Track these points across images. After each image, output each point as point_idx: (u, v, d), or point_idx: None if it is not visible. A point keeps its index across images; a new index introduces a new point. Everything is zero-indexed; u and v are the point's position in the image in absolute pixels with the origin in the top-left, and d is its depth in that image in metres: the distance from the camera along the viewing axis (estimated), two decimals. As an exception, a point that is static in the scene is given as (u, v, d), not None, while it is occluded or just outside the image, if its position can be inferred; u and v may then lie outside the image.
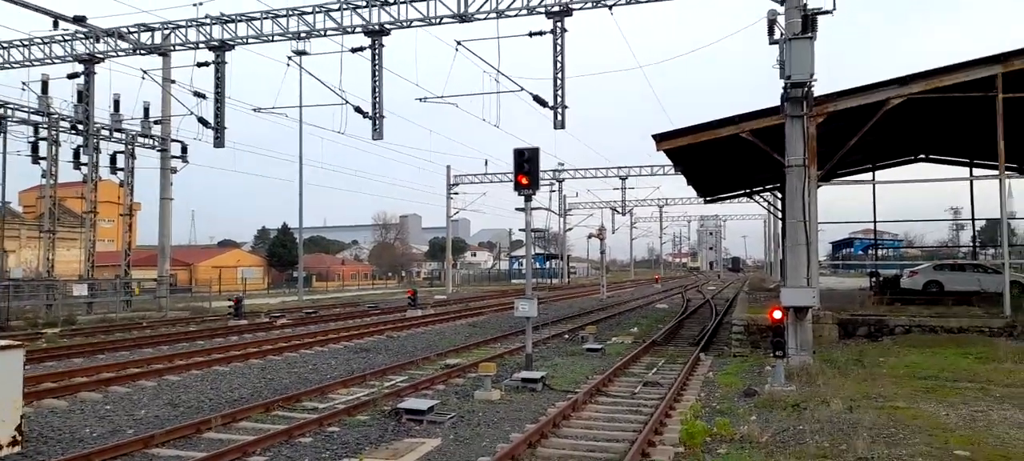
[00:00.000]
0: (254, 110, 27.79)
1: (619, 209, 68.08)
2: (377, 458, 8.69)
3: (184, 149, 33.81)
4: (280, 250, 74.36)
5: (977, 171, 30.10)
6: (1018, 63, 17.01)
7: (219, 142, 27.34)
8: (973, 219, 36.56)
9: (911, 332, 17.46)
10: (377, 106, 24.44)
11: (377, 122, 24.47)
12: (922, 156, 32.39)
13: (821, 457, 7.81)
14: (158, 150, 33.88)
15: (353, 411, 11.09)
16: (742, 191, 40.08)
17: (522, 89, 23.10)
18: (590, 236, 55.55)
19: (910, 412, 9.46)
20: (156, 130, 33.53)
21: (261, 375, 14.77)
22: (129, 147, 33.10)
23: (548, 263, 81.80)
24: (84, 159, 31.63)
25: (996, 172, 18.66)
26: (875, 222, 33.45)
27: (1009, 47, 17.13)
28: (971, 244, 44.83)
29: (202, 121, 27.47)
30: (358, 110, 24.60)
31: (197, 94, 27.58)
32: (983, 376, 12.15)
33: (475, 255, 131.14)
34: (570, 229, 75.50)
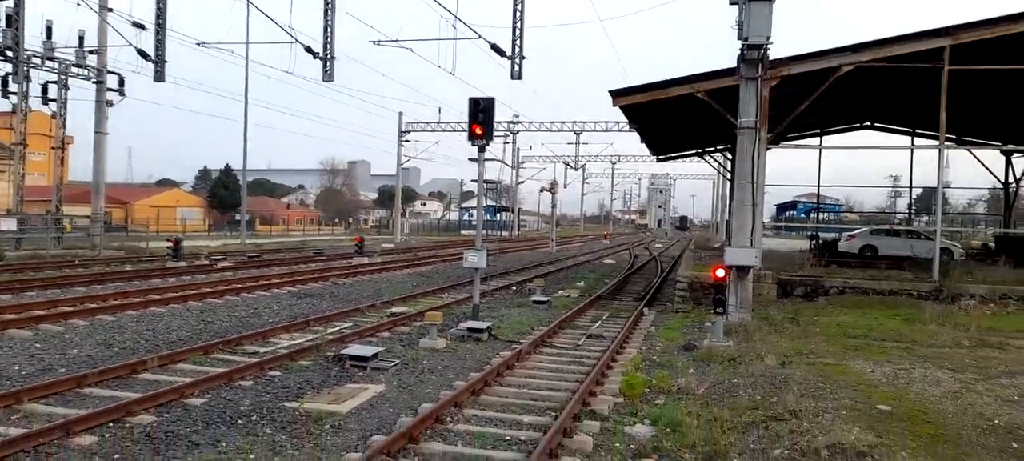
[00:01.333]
0: (198, 44, 26.71)
1: (572, 164, 68.31)
2: (318, 403, 8.63)
3: (121, 82, 32.27)
4: (222, 191, 72.43)
5: (918, 140, 31.12)
6: (966, 36, 17.46)
7: (159, 76, 26.22)
8: (911, 187, 38.00)
9: (845, 293, 18.14)
10: (329, 47, 23.70)
11: (328, 63, 23.77)
12: (868, 124, 33.28)
13: (753, 408, 8.07)
14: (93, 81, 32.23)
15: (295, 356, 10.96)
16: (693, 151, 40.61)
17: (479, 36, 22.72)
18: (542, 190, 55.81)
19: (838, 368, 9.85)
20: (91, 60, 31.85)
21: (200, 318, 14.43)
22: (62, 77, 31.42)
23: (498, 215, 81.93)
24: (13, 88, 29.94)
25: (936, 142, 19.27)
26: (818, 186, 34.39)
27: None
28: (907, 211, 46.70)
29: (141, 53, 26.24)
30: (308, 50, 23.83)
31: (136, 25, 26.32)
32: (909, 336, 12.72)
33: (425, 204, 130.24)
34: (522, 182, 75.58)
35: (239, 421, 7.90)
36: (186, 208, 69.30)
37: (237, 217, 51.89)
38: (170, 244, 27.03)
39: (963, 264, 24.19)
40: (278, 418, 8.03)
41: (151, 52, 26.11)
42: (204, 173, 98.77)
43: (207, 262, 27.13)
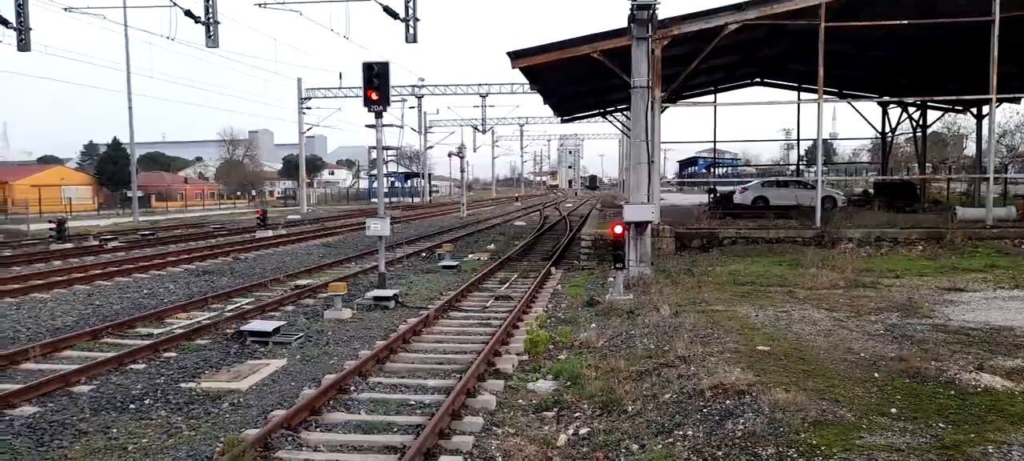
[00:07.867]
0: (65, 10, 24.77)
1: (480, 127, 68.18)
2: (217, 381, 8.44)
3: (-16, 51, 29.67)
4: (111, 167, 67.91)
5: (803, 95, 32.84)
6: (840, -5, 18.48)
7: (24, 45, 24.15)
8: (798, 139, 40.24)
9: (737, 243, 19.11)
10: (211, 9, 22.41)
11: (211, 28, 22.50)
12: (758, 80, 34.80)
13: (647, 357, 8.49)
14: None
15: (192, 335, 10.63)
16: (596, 111, 41.31)
17: (371, -2, 22.14)
18: (451, 154, 55.45)
19: (726, 314, 10.45)
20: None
21: (88, 301, 13.70)
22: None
23: (409, 182, 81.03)
24: None
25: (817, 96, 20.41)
26: (715, 142, 35.81)
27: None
28: (796, 163, 49.45)
29: (2, 21, 24.08)
30: (188, 13, 22.41)
31: (-5, -12, 24.08)
32: (791, 281, 13.59)
33: (333, 173, 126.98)
34: (431, 147, 74.84)
35: (131, 406, 7.63)
36: (72, 186, 64.80)
37: (129, 194, 49.05)
38: (53, 226, 25.30)
39: (844, 210, 25.93)
40: (173, 400, 7.81)
41: (12, 18, 23.95)
42: (90, 148, 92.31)
43: (96, 243, 25.63)
